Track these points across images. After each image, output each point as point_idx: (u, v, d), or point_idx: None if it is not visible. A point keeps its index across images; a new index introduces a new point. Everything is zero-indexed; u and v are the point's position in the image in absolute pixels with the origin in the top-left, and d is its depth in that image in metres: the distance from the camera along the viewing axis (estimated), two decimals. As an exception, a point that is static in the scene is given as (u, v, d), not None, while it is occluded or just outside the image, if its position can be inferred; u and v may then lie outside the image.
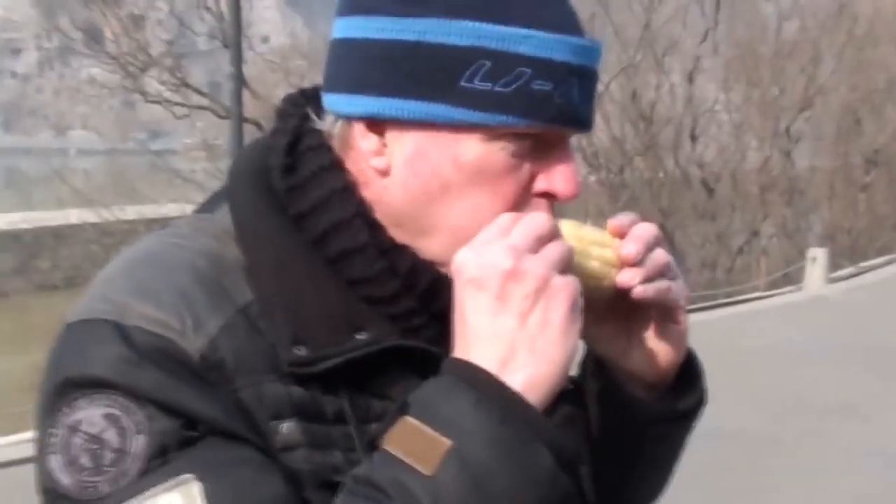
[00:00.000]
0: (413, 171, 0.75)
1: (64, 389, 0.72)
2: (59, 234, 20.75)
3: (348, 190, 0.77)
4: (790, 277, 15.06)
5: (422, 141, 0.75)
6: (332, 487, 0.72)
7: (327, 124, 0.79)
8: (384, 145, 0.76)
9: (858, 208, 21.40)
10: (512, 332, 0.68)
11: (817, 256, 12.96)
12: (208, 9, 15.47)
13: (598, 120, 17.78)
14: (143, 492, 0.69)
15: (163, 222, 0.89)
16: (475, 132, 0.73)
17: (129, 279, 0.76)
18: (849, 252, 18.13)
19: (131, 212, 16.62)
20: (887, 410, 6.37)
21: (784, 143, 19.93)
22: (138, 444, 0.70)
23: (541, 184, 0.76)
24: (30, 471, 0.76)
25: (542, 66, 0.72)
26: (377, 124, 0.76)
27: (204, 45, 17.23)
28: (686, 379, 0.84)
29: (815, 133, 21.53)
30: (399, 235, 0.77)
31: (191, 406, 0.71)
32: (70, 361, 0.73)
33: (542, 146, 0.75)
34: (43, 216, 21.98)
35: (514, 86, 0.72)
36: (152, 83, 16.07)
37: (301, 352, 0.74)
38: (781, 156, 19.93)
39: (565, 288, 0.68)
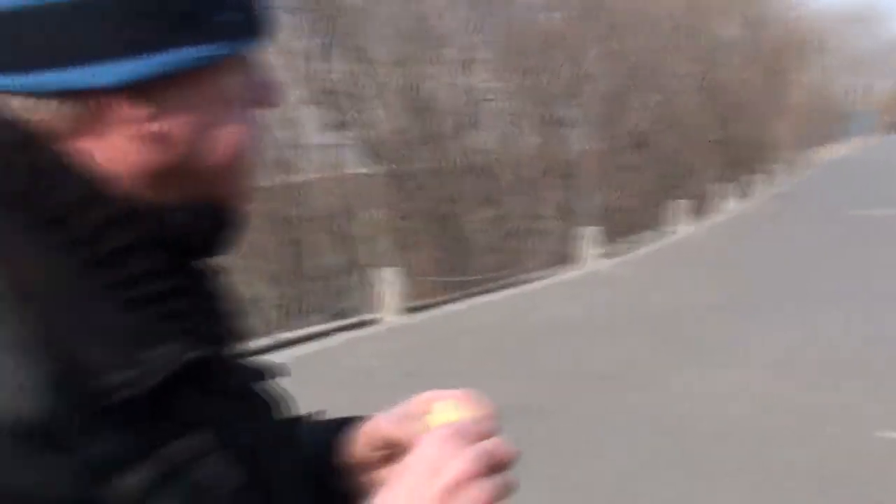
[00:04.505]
0: (184, 123, 0.69)
1: None
2: None
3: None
4: (568, 256, 15.95)
5: (187, 91, 0.68)
6: None
7: (30, 116, 0.66)
8: (154, 107, 0.67)
9: (626, 188, 22.90)
10: None
11: (591, 235, 13.82)
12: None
13: (381, 112, 18.12)
14: None
15: None
16: (226, 64, 0.70)
17: None
18: (619, 229, 19.39)
19: None
20: (654, 376, 6.91)
21: (557, 128, 20.98)
22: None
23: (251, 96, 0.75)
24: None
25: None
26: (140, 88, 0.66)
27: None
28: None
29: (585, 118, 22.82)
30: (173, 195, 0.70)
31: None
32: None
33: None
34: None
35: (248, 11, 0.71)
36: None
37: None
38: (555, 141, 20.98)
39: None
